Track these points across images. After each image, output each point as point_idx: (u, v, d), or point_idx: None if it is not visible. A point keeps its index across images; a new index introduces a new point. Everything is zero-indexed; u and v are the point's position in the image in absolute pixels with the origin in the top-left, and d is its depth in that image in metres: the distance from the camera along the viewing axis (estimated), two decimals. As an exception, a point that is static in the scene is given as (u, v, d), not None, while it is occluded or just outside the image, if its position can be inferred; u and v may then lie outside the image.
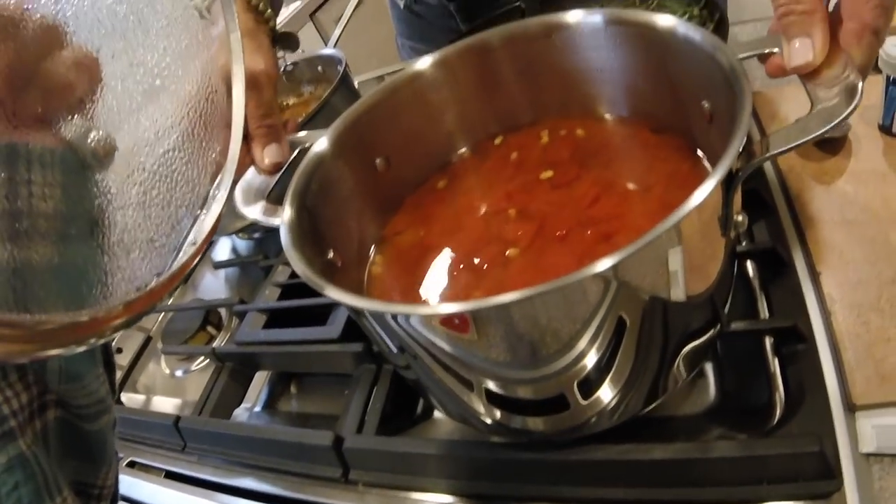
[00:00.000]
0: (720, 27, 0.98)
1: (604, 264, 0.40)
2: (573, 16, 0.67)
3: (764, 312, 0.69)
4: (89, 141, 0.41)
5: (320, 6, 3.13)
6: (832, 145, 0.87)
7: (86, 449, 0.47)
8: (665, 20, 0.59)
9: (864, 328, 0.64)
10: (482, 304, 0.42)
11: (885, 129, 0.87)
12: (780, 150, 0.45)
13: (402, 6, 1.60)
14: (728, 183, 0.46)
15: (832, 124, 0.43)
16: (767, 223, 0.76)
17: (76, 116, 0.41)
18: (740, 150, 0.43)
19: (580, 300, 0.44)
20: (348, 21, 1.38)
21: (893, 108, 0.84)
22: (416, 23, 1.63)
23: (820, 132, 0.44)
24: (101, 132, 0.42)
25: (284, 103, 1.45)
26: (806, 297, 0.67)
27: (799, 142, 0.45)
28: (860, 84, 0.45)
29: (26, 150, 0.37)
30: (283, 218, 0.58)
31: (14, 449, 0.39)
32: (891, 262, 0.70)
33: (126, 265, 0.44)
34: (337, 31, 1.38)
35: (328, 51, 1.35)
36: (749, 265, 0.73)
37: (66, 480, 0.43)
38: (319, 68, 1.40)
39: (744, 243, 0.75)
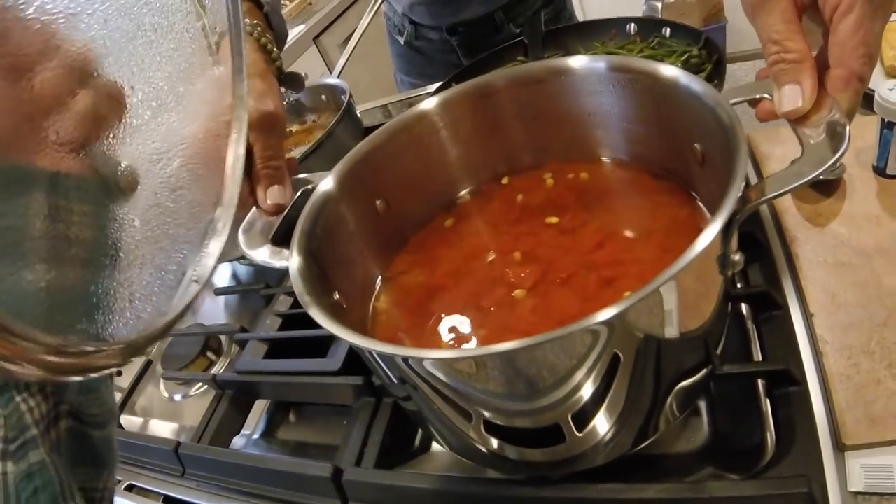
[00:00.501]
0: (718, 67, 0.99)
1: (607, 314, 0.41)
2: (577, 61, 0.69)
3: (757, 354, 0.70)
4: (118, 172, 0.43)
5: (324, 30, 3.16)
6: (827, 187, 0.89)
7: (93, 454, 0.48)
8: (669, 71, 0.61)
9: (855, 370, 0.66)
10: (489, 351, 0.44)
11: (879, 171, 0.88)
12: (775, 194, 0.47)
13: (402, 42, 1.62)
14: (726, 226, 0.47)
15: (823, 168, 0.45)
16: (762, 265, 0.78)
17: (106, 147, 0.42)
18: (735, 200, 0.44)
19: (579, 343, 0.46)
20: (353, 50, 1.39)
21: (887, 151, 0.85)
22: (416, 59, 1.65)
23: (812, 176, 0.46)
24: (127, 164, 0.43)
25: (287, 129, 1.46)
26: (799, 339, 0.69)
27: (793, 185, 0.46)
28: (847, 128, 0.47)
29: (65, 178, 0.38)
30: (292, 265, 0.59)
31: (36, 456, 0.40)
32: (883, 304, 0.71)
33: (134, 297, 0.45)
34: (342, 61, 1.40)
35: (332, 80, 1.37)
36: (744, 307, 0.74)
37: (76, 486, 0.44)
38: (323, 97, 1.41)
39: (739, 286, 0.76)
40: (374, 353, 0.51)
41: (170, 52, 0.50)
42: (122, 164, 0.43)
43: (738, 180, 0.45)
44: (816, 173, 0.45)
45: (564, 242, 0.68)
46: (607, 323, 0.42)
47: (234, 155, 0.59)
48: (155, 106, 0.48)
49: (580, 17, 1.73)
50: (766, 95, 0.55)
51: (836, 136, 0.47)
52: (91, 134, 0.41)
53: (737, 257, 0.50)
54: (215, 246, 0.54)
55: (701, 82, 0.57)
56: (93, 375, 0.36)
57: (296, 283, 0.57)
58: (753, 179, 0.92)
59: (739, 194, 0.45)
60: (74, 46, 0.39)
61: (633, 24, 1.17)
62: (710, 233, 0.43)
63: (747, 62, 1.28)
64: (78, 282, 0.40)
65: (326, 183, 0.68)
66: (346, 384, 0.81)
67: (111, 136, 0.42)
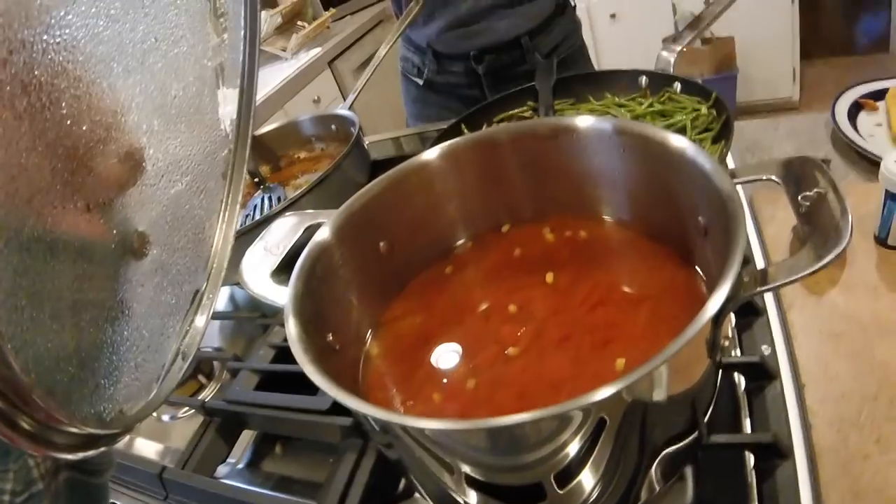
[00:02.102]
0: (726, 126, 1.00)
1: (603, 394, 0.41)
2: (584, 121, 0.69)
3: (747, 425, 0.70)
4: (133, 235, 0.43)
5: (339, 55, 3.19)
6: (826, 256, 0.89)
7: (89, 500, 0.49)
8: (677, 141, 0.61)
9: (843, 444, 0.66)
10: (478, 425, 0.44)
11: (880, 241, 0.89)
12: (771, 286, 0.47)
13: (421, 83, 1.63)
14: (719, 313, 0.47)
15: (820, 265, 0.46)
16: (757, 331, 0.77)
17: (121, 207, 0.42)
18: (729, 290, 0.44)
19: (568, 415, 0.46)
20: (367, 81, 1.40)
21: (890, 222, 0.86)
22: (433, 100, 1.66)
23: (809, 272, 0.46)
24: (140, 226, 0.44)
25: (295, 156, 1.47)
26: (789, 410, 0.68)
27: (789, 279, 0.47)
28: (849, 228, 0.47)
29: (91, 243, 0.39)
30: (287, 305, 0.59)
31: None
32: (874, 377, 0.71)
33: (136, 369, 0.45)
34: (354, 94, 1.40)
35: (343, 112, 1.37)
36: (736, 376, 0.74)
37: None
38: (333, 127, 1.42)
39: (734, 353, 0.76)
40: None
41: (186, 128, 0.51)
42: (137, 228, 0.44)
43: (730, 278, 0.45)
44: (814, 269, 0.46)
45: (559, 301, 0.68)
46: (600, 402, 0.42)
47: (223, 237, 0.60)
48: (168, 173, 0.49)
49: (596, 66, 1.75)
50: (772, 177, 0.55)
51: (836, 232, 0.47)
52: (116, 198, 0.42)
53: (726, 343, 0.50)
54: (200, 321, 0.55)
55: (708, 157, 0.57)
56: (91, 453, 0.37)
57: (289, 326, 0.57)
58: (755, 241, 0.92)
59: (729, 292, 0.45)
60: (128, 126, 0.40)
61: (644, 77, 1.17)
62: (700, 321, 0.43)
63: (755, 119, 1.29)
64: (93, 350, 0.40)
65: (330, 223, 0.69)
66: (334, 424, 0.81)
67: (130, 199, 0.43)
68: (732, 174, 0.55)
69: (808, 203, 0.51)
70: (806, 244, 0.48)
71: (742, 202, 0.49)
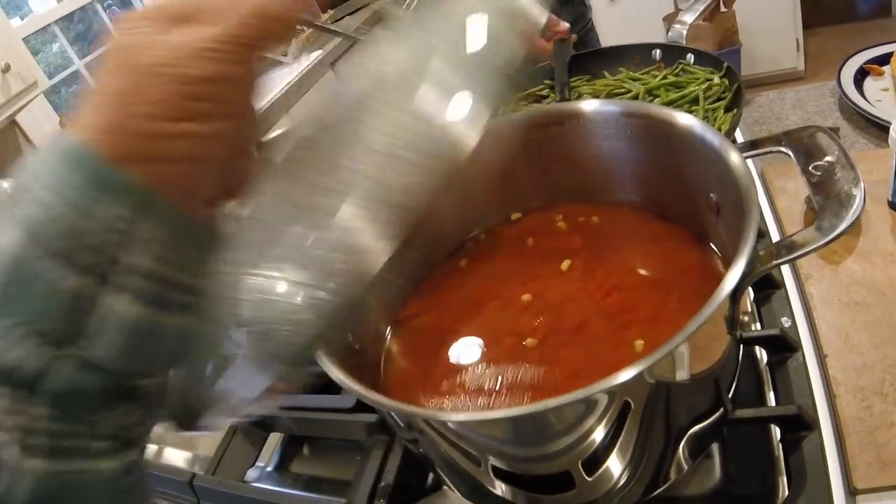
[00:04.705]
0: (737, 95, 1.00)
1: (625, 376, 0.41)
2: (590, 105, 0.69)
3: (771, 398, 0.70)
4: None
5: (341, 55, 3.19)
6: (841, 225, 0.89)
7: None
8: (684, 119, 0.61)
9: (868, 413, 0.66)
10: (501, 415, 0.44)
11: (894, 205, 0.88)
12: (787, 258, 0.47)
13: None
14: (734, 291, 0.47)
15: (833, 236, 0.45)
16: (776, 305, 0.77)
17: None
18: (745, 266, 0.44)
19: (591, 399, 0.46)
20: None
21: (903, 186, 0.86)
22: None
23: (823, 243, 0.46)
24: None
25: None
26: (812, 381, 0.68)
27: (804, 251, 0.47)
28: (860, 196, 0.47)
29: None
30: None
31: None
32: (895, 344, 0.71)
33: None
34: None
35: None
36: (758, 350, 0.74)
37: None
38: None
39: (754, 327, 0.76)
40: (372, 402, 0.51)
41: None
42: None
43: (745, 254, 0.45)
44: (829, 238, 0.46)
45: (575, 288, 0.68)
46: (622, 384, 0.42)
47: None
48: None
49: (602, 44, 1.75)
50: (781, 149, 0.55)
51: (849, 200, 0.47)
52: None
53: (746, 318, 0.50)
54: None
55: (716, 133, 0.57)
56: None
57: None
58: (768, 214, 0.92)
59: (745, 268, 0.45)
60: None
61: (658, 51, 1.18)
62: (718, 297, 0.43)
63: (762, 91, 1.29)
64: None
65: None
66: (360, 422, 0.81)
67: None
68: (742, 148, 0.55)
69: (819, 173, 0.51)
70: (820, 214, 0.48)
71: (753, 176, 0.49)
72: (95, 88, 0.33)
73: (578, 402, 0.43)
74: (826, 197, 0.48)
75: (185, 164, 0.34)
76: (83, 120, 0.32)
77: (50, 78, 2.73)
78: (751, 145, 0.57)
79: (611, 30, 3.50)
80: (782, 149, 0.55)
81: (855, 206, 0.46)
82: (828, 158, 0.51)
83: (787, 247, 0.47)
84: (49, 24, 2.98)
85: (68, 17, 3.12)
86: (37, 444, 0.30)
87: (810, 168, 0.51)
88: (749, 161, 1.02)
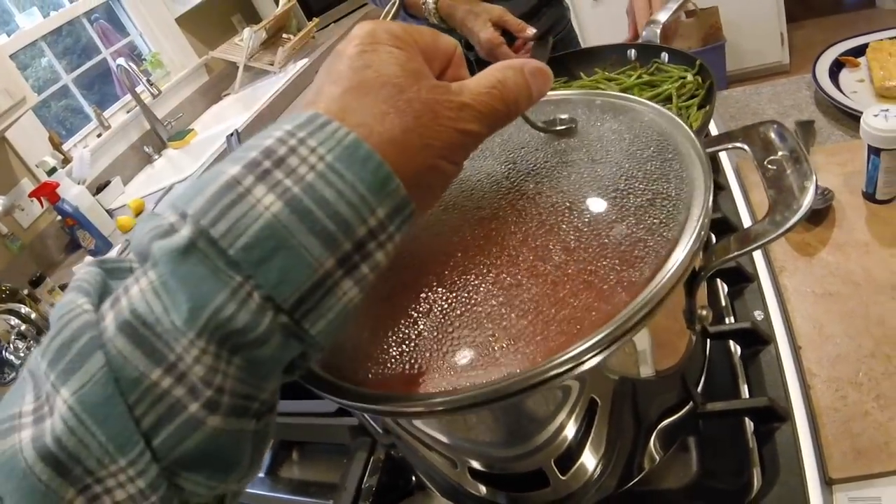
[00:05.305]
0: (710, 92, 1.01)
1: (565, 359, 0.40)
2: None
3: (745, 391, 0.70)
4: None
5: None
6: (816, 215, 0.90)
7: None
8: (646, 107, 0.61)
9: (842, 402, 0.67)
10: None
11: (868, 196, 0.89)
12: (738, 252, 0.48)
13: None
14: (690, 282, 0.48)
15: (786, 228, 0.46)
16: (749, 298, 0.78)
17: None
18: (694, 251, 0.44)
19: (551, 392, 0.46)
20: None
21: (875, 176, 0.87)
22: None
23: (776, 235, 0.46)
24: None
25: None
26: (787, 373, 0.69)
27: (757, 244, 0.47)
28: (812, 186, 0.48)
29: None
30: None
31: None
32: (870, 335, 0.72)
33: None
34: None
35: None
36: (731, 344, 0.75)
37: None
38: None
39: (728, 321, 0.77)
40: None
41: None
42: None
43: (687, 244, 0.45)
44: (780, 233, 0.46)
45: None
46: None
47: None
48: None
49: (581, 44, 1.76)
50: (737, 144, 0.56)
51: (801, 193, 0.48)
52: None
53: (704, 312, 0.51)
54: None
55: (676, 122, 0.57)
56: None
57: None
58: (743, 209, 0.93)
59: (687, 255, 0.44)
60: None
61: (633, 50, 1.19)
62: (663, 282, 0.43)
63: (741, 86, 1.30)
64: None
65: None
66: (343, 425, 0.82)
67: None
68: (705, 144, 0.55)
69: (773, 167, 0.51)
70: (773, 207, 0.48)
71: (709, 170, 0.50)
72: (370, 84, 0.37)
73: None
74: (779, 191, 0.49)
75: (434, 196, 0.41)
76: (358, 117, 0.35)
77: (38, 93, 2.75)
78: (711, 141, 0.57)
79: (596, 30, 3.53)
80: (739, 144, 0.56)
81: (807, 199, 0.46)
82: (782, 153, 0.52)
83: (741, 240, 0.48)
84: (36, 40, 2.99)
85: (56, 31, 3.13)
86: (221, 402, 0.33)
87: (766, 163, 0.52)
88: (724, 156, 1.04)
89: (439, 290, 0.46)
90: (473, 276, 0.45)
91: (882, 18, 3.65)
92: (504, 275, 0.45)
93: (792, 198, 0.48)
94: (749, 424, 0.67)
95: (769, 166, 0.52)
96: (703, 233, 0.44)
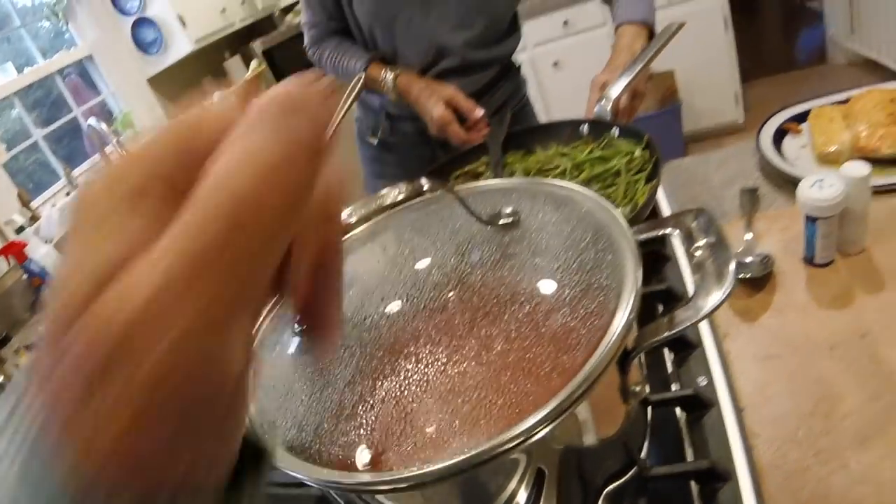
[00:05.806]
0: (656, 168, 1.05)
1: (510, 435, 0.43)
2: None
3: (690, 454, 0.74)
4: None
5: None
6: (758, 282, 0.95)
7: None
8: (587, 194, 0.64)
9: (783, 460, 0.71)
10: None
11: (808, 260, 0.94)
12: (659, 338, 0.52)
13: (375, 143, 1.67)
14: (623, 361, 0.52)
15: (706, 312, 0.50)
16: (693, 364, 0.83)
17: None
18: (623, 337, 0.47)
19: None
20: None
21: (814, 242, 0.92)
22: (389, 158, 1.70)
23: (697, 320, 0.51)
24: None
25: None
26: (729, 434, 0.73)
27: (675, 331, 0.51)
28: (732, 270, 0.52)
29: None
30: None
31: None
32: (809, 394, 0.76)
33: None
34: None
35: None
36: (677, 410, 0.78)
37: None
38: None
39: (673, 387, 0.81)
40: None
41: None
42: None
43: (617, 330, 0.47)
44: (700, 317, 0.50)
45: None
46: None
47: None
48: None
49: (544, 118, 1.80)
50: (666, 232, 0.60)
51: (720, 279, 0.52)
52: None
53: (638, 388, 0.54)
54: None
55: (612, 213, 0.61)
56: None
57: None
58: (689, 279, 0.96)
59: (616, 340, 0.46)
60: None
61: (585, 126, 1.24)
62: (591, 366, 0.45)
63: (690, 155, 1.35)
64: None
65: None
66: (308, 495, 0.84)
67: None
68: (637, 231, 0.59)
69: (697, 255, 0.55)
70: (696, 292, 0.52)
71: (638, 259, 0.53)
72: None
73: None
74: (703, 276, 0.53)
75: None
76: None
77: (8, 146, 2.77)
78: (642, 229, 0.61)
79: (557, 95, 3.61)
80: (668, 231, 0.60)
81: (727, 285, 0.50)
82: (707, 239, 0.56)
83: (667, 324, 0.51)
84: (8, 95, 3.03)
85: (27, 86, 3.17)
86: None
87: (691, 250, 0.56)
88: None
89: (393, 378, 0.49)
90: (424, 366, 0.49)
91: (834, 73, 3.77)
92: (452, 363, 0.48)
93: (713, 283, 0.52)
94: (694, 489, 0.69)
95: (694, 253, 0.56)
96: (632, 317, 0.48)
